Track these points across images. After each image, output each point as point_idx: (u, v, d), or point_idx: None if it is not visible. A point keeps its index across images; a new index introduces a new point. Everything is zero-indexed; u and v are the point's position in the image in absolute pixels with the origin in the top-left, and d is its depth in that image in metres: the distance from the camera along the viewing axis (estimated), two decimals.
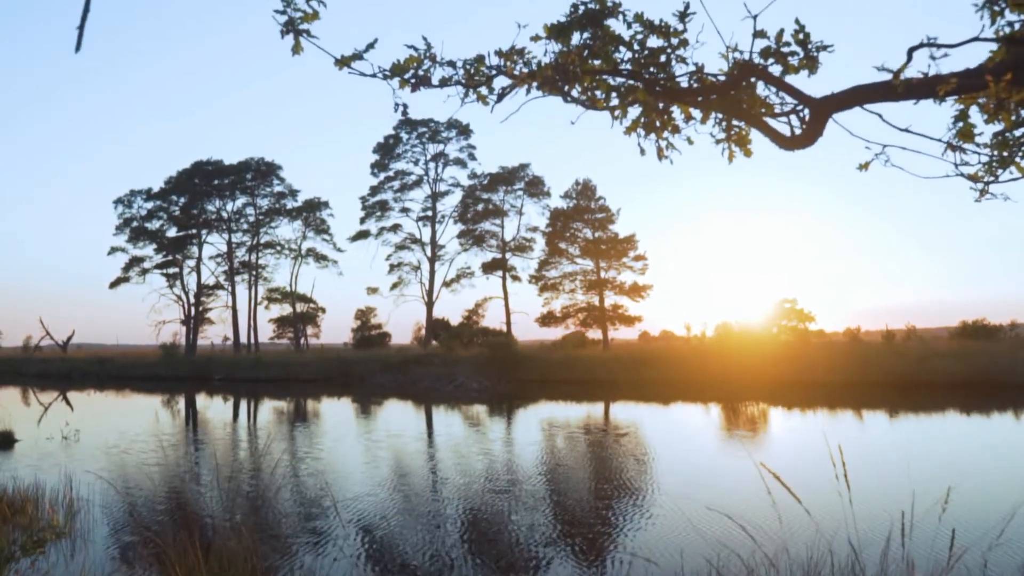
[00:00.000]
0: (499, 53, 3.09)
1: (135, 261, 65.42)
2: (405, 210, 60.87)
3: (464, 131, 59.27)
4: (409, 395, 33.91)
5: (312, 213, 64.93)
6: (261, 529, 9.15)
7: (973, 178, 3.05)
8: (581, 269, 55.86)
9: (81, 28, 1.99)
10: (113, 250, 65.61)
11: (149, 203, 66.01)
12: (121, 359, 57.62)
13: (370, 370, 42.94)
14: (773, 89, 3.16)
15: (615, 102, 3.18)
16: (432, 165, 60.21)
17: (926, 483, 11.24)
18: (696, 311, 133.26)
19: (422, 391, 35.25)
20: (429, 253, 60.15)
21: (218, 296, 67.20)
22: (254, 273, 65.54)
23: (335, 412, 27.40)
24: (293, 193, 65.58)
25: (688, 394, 30.04)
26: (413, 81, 3.08)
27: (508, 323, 57.57)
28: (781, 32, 3.08)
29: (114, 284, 65.59)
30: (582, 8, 3.06)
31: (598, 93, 3.12)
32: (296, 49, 2.94)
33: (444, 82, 3.09)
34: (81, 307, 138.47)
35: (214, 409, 29.64)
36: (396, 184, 60.60)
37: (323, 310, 68.53)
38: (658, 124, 3.20)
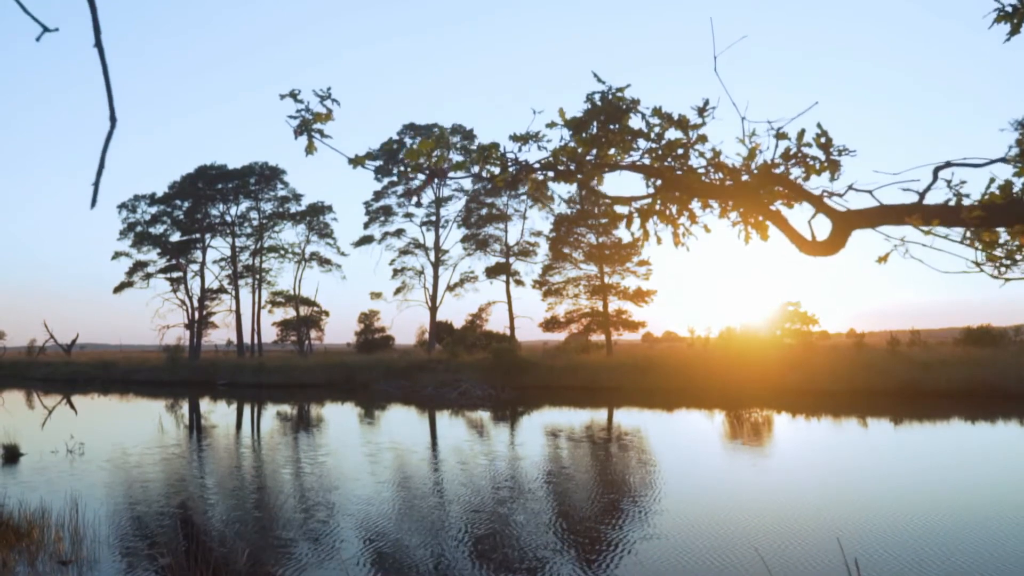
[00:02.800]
0: (514, 137, 3.07)
1: (139, 266, 65.48)
2: (409, 215, 60.87)
3: (468, 136, 59.22)
4: (413, 401, 33.90)
5: (316, 217, 64.98)
6: (268, 547, 9.14)
7: (992, 259, 3.03)
8: (585, 274, 55.79)
9: (96, 184, 1.98)
10: (117, 255, 65.73)
11: (153, 208, 66.11)
12: (125, 363, 57.69)
13: (374, 376, 42.90)
14: (798, 176, 3.13)
15: (636, 223, 3.17)
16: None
17: (942, 537, 11.16)
18: (699, 312, 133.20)
19: (426, 398, 35.24)
20: (433, 258, 60.13)
21: (222, 300, 67.33)
22: (258, 277, 65.62)
23: (339, 419, 27.38)
24: (297, 197, 65.66)
25: (692, 400, 29.98)
26: (427, 172, 3.08)
27: (512, 328, 57.56)
28: (802, 133, 3.05)
29: (118, 289, 65.67)
30: (598, 96, 3.04)
31: (618, 208, 3.11)
32: (309, 149, 2.93)
33: (459, 167, 3.07)
34: (84, 308, 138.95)
35: (218, 415, 29.65)
36: (399, 189, 60.58)
37: (326, 313, 68.62)
38: (673, 211, 3.18)
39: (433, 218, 60.32)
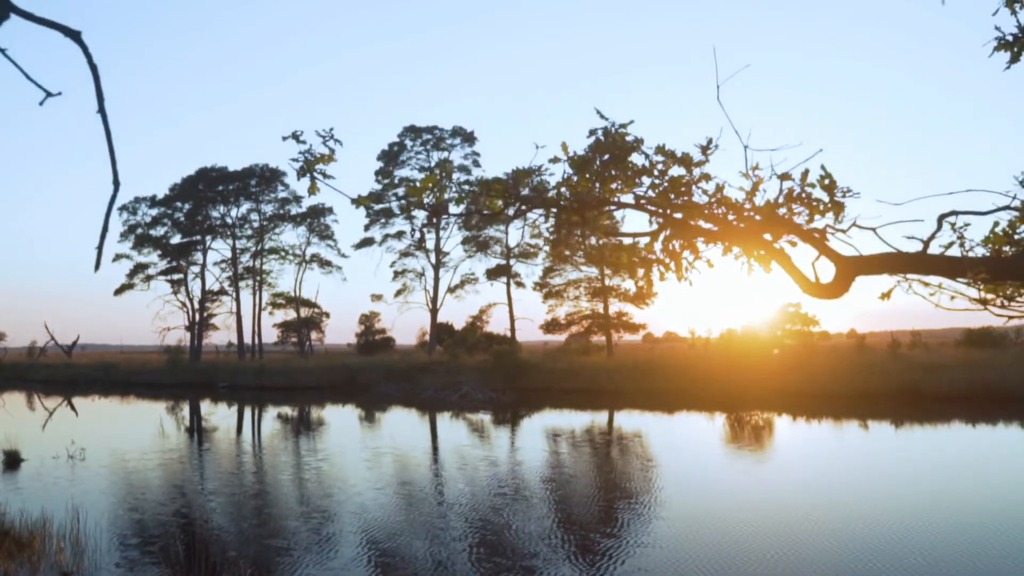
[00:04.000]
0: (517, 172, 3.08)
1: (140, 268, 65.53)
2: (409, 217, 60.75)
3: (469, 138, 59.19)
4: (414, 404, 33.92)
5: (316, 219, 64.95)
6: (271, 555, 9.15)
7: (995, 292, 3.04)
8: (585, 276, 55.76)
9: (100, 248, 1.99)
10: (118, 256, 65.66)
11: (153, 210, 66.15)
12: (126, 365, 57.71)
13: (375, 378, 42.88)
14: (801, 211, 3.13)
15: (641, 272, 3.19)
16: (437, 172, 60.00)
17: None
18: (700, 313, 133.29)
19: (427, 400, 35.24)
20: (433, 260, 60.09)
21: (222, 302, 67.35)
22: (258, 279, 65.62)
23: (340, 422, 27.39)
24: (297, 199, 65.59)
25: (692, 402, 29.98)
26: (430, 209, 3.10)
27: (512, 329, 57.51)
28: (806, 173, 3.06)
29: (119, 291, 65.69)
30: (601, 132, 3.05)
31: (623, 244, 3.13)
32: (312, 190, 2.95)
33: (460, 200, 3.09)
34: (85, 309, 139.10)
35: (219, 418, 29.66)
36: (400, 191, 60.56)
37: (327, 315, 68.61)
38: (676, 246, 3.18)
39: (434, 220, 60.23)
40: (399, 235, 60.97)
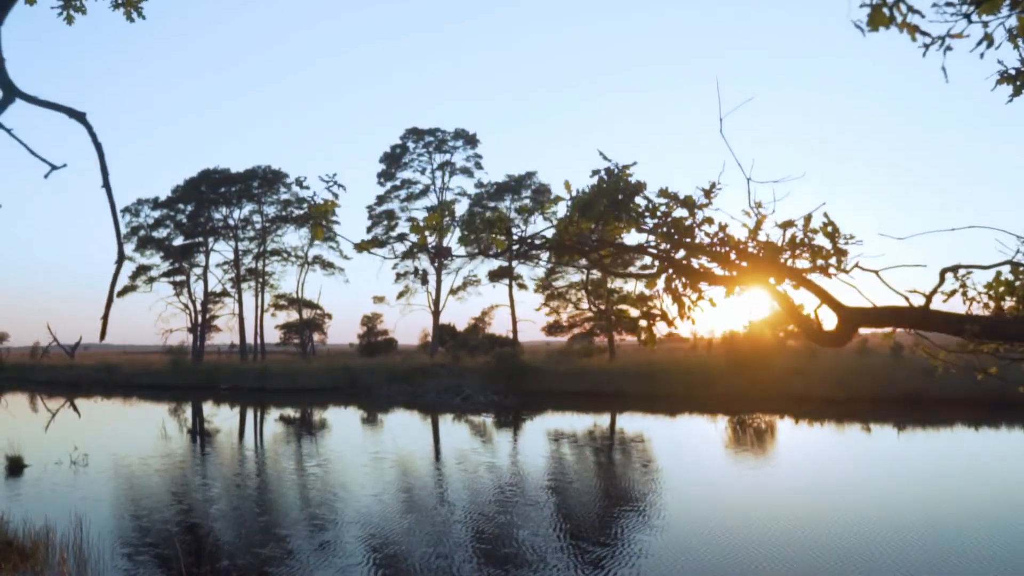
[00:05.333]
0: (520, 209, 3.10)
1: (142, 269, 65.64)
2: (412, 219, 60.80)
3: (471, 141, 59.14)
4: (416, 406, 33.94)
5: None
6: (277, 564, 9.17)
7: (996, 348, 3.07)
8: (588, 278, 55.68)
9: (105, 319, 2.00)
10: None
11: (156, 212, 66.29)
12: (128, 366, 57.74)
13: (377, 380, 42.86)
14: (803, 253, 3.15)
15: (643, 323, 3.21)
16: (439, 174, 60.11)
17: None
18: (702, 314, 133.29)
19: (429, 403, 35.26)
20: (435, 262, 60.05)
21: (225, 303, 67.43)
22: (261, 280, 65.64)
23: (343, 425, 27.40)
24: (300, 201, 65.57)
25: (694, 405, 29.98)
26: (433, 251, 3.12)
27: (514, 331, 57.49)
28: (809, 218, 3.08)
29: (122, 293, 65.67)
30: (603, 172, 3.07)
31: (625, 306, 3.17)
32: (317, 235, 2.98)
33: (463, 240, 3.11)
34: (88, 310, 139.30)
35: (221, 421, 29.70)
36: (403, 193, 60.58)
37: (329, 316, 68.68)
38: (680, 286, 3.19)
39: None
40: (401, 237, 60.88)
